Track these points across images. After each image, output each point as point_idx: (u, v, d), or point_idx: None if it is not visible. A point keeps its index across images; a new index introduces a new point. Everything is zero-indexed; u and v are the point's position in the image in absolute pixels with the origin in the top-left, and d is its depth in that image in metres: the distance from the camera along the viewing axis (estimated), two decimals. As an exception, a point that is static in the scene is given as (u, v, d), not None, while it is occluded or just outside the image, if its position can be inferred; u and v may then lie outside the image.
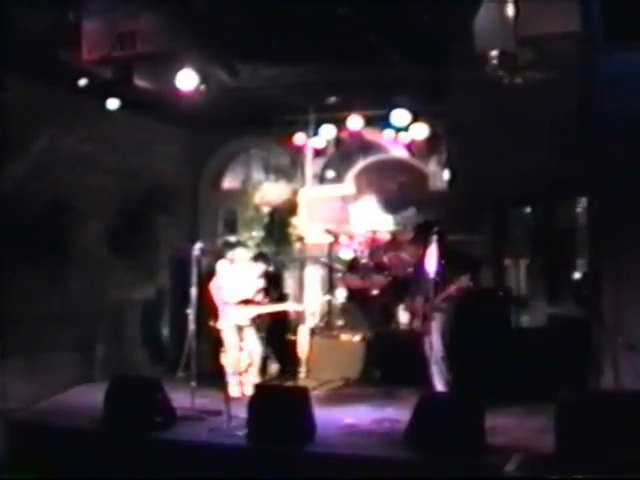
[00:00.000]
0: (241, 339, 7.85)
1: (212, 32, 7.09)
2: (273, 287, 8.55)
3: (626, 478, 4.92)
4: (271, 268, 8.79)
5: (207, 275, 8.16)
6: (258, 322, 7.98)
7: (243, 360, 7.72)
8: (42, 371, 8.00)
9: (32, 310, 8.08)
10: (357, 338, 9.07)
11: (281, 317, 9.56)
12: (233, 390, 7.58)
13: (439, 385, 6.99)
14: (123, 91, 8.08)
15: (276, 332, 9.22)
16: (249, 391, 7.05)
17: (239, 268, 8.00)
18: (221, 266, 8.07)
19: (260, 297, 7.97)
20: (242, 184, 10.96)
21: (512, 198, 8.71)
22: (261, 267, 8.25)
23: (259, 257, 8.74)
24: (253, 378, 7.67)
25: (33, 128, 8.19)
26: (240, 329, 7.84)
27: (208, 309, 7.82)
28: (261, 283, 8.05)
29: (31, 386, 7.63)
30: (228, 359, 7.70)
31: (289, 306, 8.58)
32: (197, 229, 10.88)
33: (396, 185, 10.15)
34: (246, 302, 7.85)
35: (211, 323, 7.76)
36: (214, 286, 7.92)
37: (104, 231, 9.24)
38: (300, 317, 9.96)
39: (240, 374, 7.69)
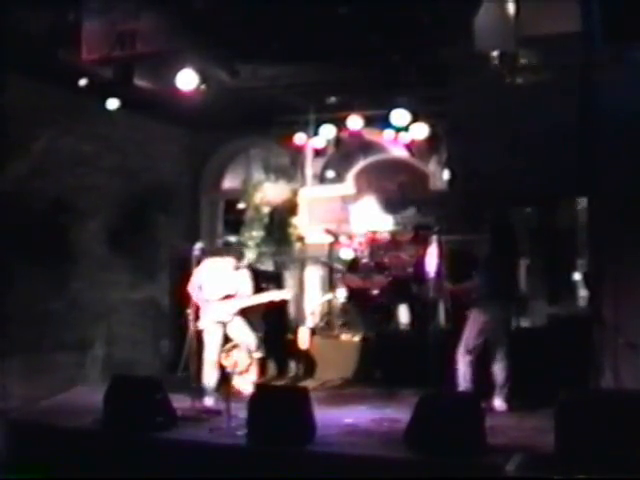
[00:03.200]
0: (232, 337, 7.73)
1: (212, 32, 7.09)
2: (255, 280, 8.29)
3: (626, 478, 4.92)
4: (245, 261, 8.45)
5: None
6: (248, 316, 7.82)
7: (242, 360, 7.70)
8: (42, 371, 8.00)
9: (32, 310, 8.08)
10: (357, 338, 9.09)
11: (281, 316, 9.59)
12: (208, 400, 7.44)
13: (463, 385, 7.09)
14: (123, 91, 8.08)
15: (276, 332, 9.24)
16: (249, 391, 7.03)
17: (217, 264, 7.83)
18: (202, 265, 7.80)
19: (242, 291, 7.76)
20: (242, 184, 10.96)
21: (512, 198, 8.70)
22: (231, 260, 7.88)
23: (227, 251, 8.47)
24: (253, 376, 7.63)
25: (33, 128, 8.19)
26: (225, 326, 7.67)
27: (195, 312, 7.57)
28: (240, 276, 7.83)
29: (31, 386, 7.62)
30: (207, 358, 7.54)
31: (273, 295, 8.07)
32: (197, 229, 10.89)
33: (396, 185, 10.15)
34: (227, 297, 7.67)
35: (192, 326, 7.44)
36: (193, 287, 7.62)
37: (104, 231, 9.24)
38: (300, 317, 9.98)
39: (241, 374, 7.67)
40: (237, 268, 7.84)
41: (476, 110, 7.73)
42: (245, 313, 7.81)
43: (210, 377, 7.53)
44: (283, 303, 9.73)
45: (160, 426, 6.47)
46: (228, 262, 7.84)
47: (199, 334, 7.50)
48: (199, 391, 7.38)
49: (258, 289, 8.16)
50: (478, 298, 7.19)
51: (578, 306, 8.60)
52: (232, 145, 11.13)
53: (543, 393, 6.12)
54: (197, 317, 7.54)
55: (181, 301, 7.92)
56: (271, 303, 8.12)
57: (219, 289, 7.68)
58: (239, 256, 8.02)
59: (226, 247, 8.31)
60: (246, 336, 7.72)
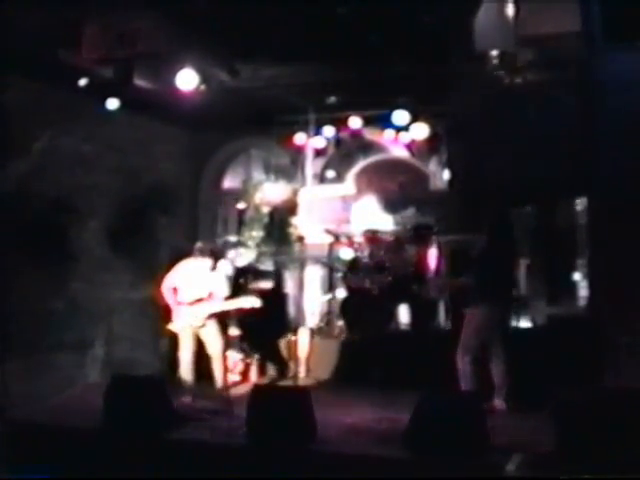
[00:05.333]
0: (204, 340, 7.63)
1: (212, 32, 7.09)
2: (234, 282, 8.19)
3: (626, 478, 4.92)
4: (225, 262, 8.33)
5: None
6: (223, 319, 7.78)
7: (241, 361, 7.70)
8: (42, 371, 8.00)
9: (32, 310, 8.08)
10: (357, 338, 9.08)
11: (280, 316, 9.59)
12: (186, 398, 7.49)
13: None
14: (123, 91, 8.08)
15: (275, 332, 9.24)
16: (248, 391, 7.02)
17: (193, 266, 7.75)
18: (178, 266, 7.79)
19: (217, 293, 7.69)
20: (242, 184, 10.96)
21: (512, 198, 8.71)
22: (208, 262, 7.76)
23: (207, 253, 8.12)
24: (253, 377, 7.63)
25: (33, 128, 8.18)
26: (198, 329, 7.61)
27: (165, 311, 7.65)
28: (217, 279, 7.78)
29: (31, 386, 7.62)
30: (182, 362, 7.55)
31: (243, 302, 7.80)
32: (197, 229, 10.89)
33: (396, 185, 10.16)
34: (199, 301, 7.58)
35: (168, 326, 7.55)
36: (166, 288, 7.64)
37: (104, 231, 9.23)
38: (300, 317, 9.98)
39: (240, 374, 7.66)
40: (213, 269, 7.76)
41: (476, 110, 7.74)
42: (220, 317, 7.74)
43: (185, 375, 7.56)
44: (281, 303, 9.80)
45: (160, 426, 6.47)
46: (204, 263, 7.73)
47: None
48: (192, 390, 7.44)
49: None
50: (473, 298, 7.19)
51: (578, 306, 8.60)
52: (232, 145, 11.13)
53: (543, 393, 6.12)
54: (169, 319, 7.56)
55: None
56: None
57: (193, 292, 7.60)
58: (217, 256, 7.97)
59: (204, 247, 8.07)
60: (214, 342, 7.65)
